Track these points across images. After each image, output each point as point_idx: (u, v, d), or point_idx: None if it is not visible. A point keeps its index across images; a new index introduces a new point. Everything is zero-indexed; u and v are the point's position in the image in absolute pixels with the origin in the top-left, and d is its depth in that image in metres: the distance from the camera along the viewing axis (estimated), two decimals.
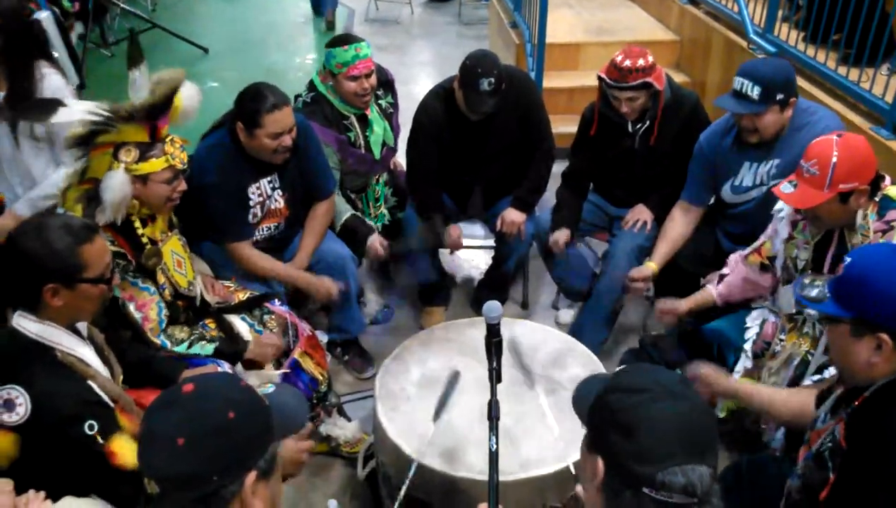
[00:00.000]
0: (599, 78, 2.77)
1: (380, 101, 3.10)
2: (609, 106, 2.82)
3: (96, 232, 1.72)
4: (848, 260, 1.46)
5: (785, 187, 2.05)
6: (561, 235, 2.96)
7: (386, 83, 3.15)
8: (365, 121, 3.00)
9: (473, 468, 1.86)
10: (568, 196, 3.07)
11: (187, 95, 2.16)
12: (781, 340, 2.24)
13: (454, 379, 1.86)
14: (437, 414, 1.80)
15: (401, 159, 3.37)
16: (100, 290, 1.70)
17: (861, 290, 1.39)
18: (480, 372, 2.06)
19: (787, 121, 2.44)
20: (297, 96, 3.00)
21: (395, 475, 2.02)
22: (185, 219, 2.41)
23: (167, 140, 2.11)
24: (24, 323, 1.62)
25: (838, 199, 1.96)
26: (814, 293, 1.50)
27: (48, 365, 1.61)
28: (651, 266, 2.77)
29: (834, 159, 1.92)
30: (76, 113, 2.02)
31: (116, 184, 2.01)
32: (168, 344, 2.17)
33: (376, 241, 2.95)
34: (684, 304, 2.51)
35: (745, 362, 2.32)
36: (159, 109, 2.07)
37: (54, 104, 2.09)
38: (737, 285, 2.43)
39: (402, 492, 1.79)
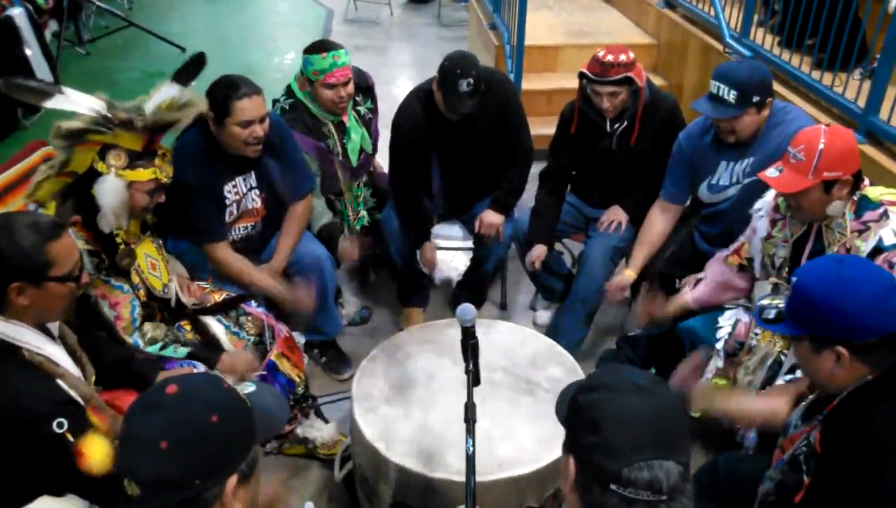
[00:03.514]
0: (581, 74, 2.78)
1: (358, 108, 3.08)
2: (589, 104, 2.84)
3: (64, 228, 1.68)
4: (794, 279, 1.48)
5: (770, 172, 2.05)
6: (537, 252, 2.98)
7: (366, 88, 3.13)
8: (342, 128, 2.99)
9: (451, 468, 1.85)
10: (546, 200, 3.08)
11: (191, 113, 2.13)
12: (756, 334, 2.26)
13: None
14: None
15: (381, 160, 3.36)
16: (68, 289, 1.65)
17: (809, 308, 1.42)
18: (457, 372, 2.07)
19: (764, 120, 2.47)
20: (275, 101, 2.97)
21: (371, 476, 2.01)
22: (161, 217, 2.38)
23: (159, 153, 2.09)
24: None
25: (822, 188, 1.97)
26: (772, 315, 1.53)
27: (15, 365, 1.57)
28: (628, 274, 2.78)
29: (821, 146, 1.93)
30: (75, 104, 1.97)
31: (112, 189, 1.98)
32: (140, 342, 2.13)
33: (347, 242, 2.94)
34: (664, 309, 2.50)
35: (717, 361, 2.33)
36: (164, 128, 2.04)
37: (50, 88, 2.03)
38: (711, 289, 2.44)
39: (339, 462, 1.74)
